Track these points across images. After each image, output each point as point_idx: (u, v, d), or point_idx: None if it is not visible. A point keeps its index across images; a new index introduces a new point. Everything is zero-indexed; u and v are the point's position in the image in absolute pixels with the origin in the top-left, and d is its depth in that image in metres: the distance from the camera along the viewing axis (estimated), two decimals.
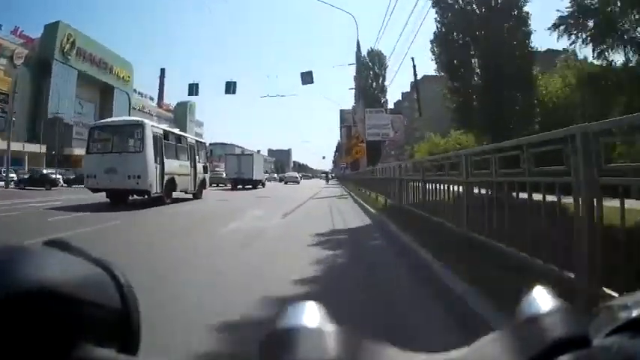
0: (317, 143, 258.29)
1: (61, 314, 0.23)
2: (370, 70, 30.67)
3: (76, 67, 43.29)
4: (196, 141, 13.53)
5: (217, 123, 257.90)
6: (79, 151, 44.65)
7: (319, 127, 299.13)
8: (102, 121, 13.76)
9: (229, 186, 24.71)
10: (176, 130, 12.87)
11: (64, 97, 41.73)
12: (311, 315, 0.22)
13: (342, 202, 12.08)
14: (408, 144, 38.48)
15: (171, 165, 11.02)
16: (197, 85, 26.78)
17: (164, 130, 11.30)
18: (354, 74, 38.43)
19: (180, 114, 63.96)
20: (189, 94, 27.83)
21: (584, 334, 0.22)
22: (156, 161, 10.21)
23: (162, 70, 66.80)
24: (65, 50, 41.77)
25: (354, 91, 41.52)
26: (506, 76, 8.25)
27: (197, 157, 12.95)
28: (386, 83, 32.94)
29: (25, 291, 0.22)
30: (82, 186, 11.97)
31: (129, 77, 52.46)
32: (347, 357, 0.20)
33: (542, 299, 0.23)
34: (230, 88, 25.63)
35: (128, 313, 0.26)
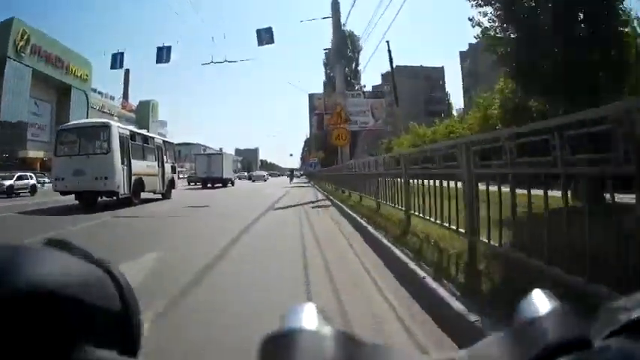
0: (285, 137, 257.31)
1: (61, 315, 0.24)
2: (342, 57, 31.25)
3: (30, 65, 42.54)
4: (164, 141, 14.15)
5: (181, 122, 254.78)
6: (34, 153, 43.75)
7: (286, 121, 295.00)
8: (69, 123, 14.17)
9: (200, 185, 26.06)
10: (143, 131, 13.43)
11: (18, 97, 40.98)
12: (310, 317, 0.23)
13: (328, 223, 6.84)
14: (382, 137, 38.29)
15: (139, 165, 11.57)
16: (122, 54, 22.71)
17: (130, 131, 11.84)
18: (323, 59, 35.10)
19: (143, 114, 63.30)
20: (111, 67, 23.63)
21: (585, 335, 0.23)
22: (123, 162, 10.75)
23: (127, 71, 66.81)
24: (19, 47, 41.04)
25: (324, 72, 36.87)
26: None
27: (165, 157, 13.57)
28: (359, 68, 30.76)
29: (25, 292, 0.23)
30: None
31: (87, 76, 51.81)
32: (346, 359, 0.21)
33: (542, 301, 0.25)
34: (163, 55, 21.24)
35: (128, 314, 0.27)
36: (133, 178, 11.14)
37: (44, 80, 45.37)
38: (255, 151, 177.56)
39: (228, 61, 22.94)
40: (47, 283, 0.23)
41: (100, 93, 55.09)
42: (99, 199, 11.04)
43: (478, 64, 62.34)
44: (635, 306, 0.25)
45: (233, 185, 28.32)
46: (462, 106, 50.86)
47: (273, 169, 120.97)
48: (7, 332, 0.22)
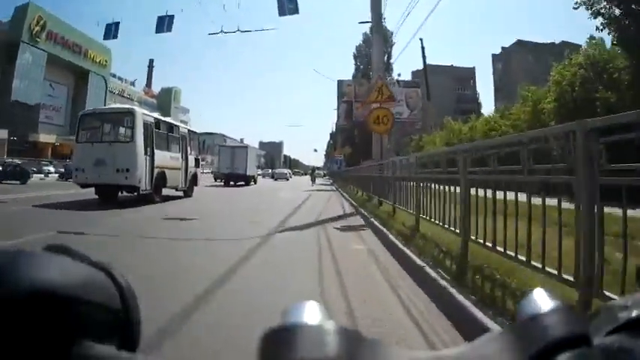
0: (309, 130, 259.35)
1: (61, 314, 0.25)
2: (371, 48, 29.99)
3: (46, 49, 43.78)
4: (189, 130, 13.27)
5: (204, 111, 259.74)
6: (45, 137, 44.14)
7: (312, 112, 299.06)
8: (91, 108, 13.55)
9: (222, 182, 24.55)
10: (168, 119, 12.65)
11: (32, 81, 41.94)
12: (311, 313, 0.24)
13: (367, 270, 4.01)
14: (409, 134, 36.47)
15: (162, 157, 10.81)
16: (117, 24, 21.03)
17: (155, 119, 11.05)
18: (354, 52, 35.25)
19: (165, 100, 64.47)
20: (104, 38, 21.99)
21: (585, 333, 0.23)
22: (146, 152, 10.02)
23: (151, 61, 71.13)
24: (34, 32, 42.20)
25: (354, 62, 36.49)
26: None
27: (189, 148, 12.72)
28: (392, 61, 29.77)
29: (25, 292, 0.24)
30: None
31: (106, 62, 53.26)
32: (347, 355, 0.22)
33: (542, 299, 0.25)
34: (164, 24, 19.94)
35: (128, 311, 0.28)
36: (156, 171, 10.38)
37: (61, 64, 46.77)
38: (280, 145, 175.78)
39: (241, 31, 21.16)
40: (47, 284, 0.25)
41: (120, 78, 57.04)
42: (119, 194, 10.34)
43: (511, 66, 61.72)
44: (635, 305, 0.26)
45: (255, 183, 27.02)
46: (493, 107, 49.75)
47: (296, 167, 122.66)
48: (8, 331, 0.23)
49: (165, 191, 11.07)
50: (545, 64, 57.56)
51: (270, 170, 60.17)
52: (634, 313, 0.26)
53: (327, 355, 0.21)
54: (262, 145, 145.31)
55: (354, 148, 32.62)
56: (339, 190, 19.38)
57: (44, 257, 0.27)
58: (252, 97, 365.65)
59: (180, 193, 12.26)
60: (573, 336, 0.23)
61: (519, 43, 64.50)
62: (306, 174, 79.77)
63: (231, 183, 23.90)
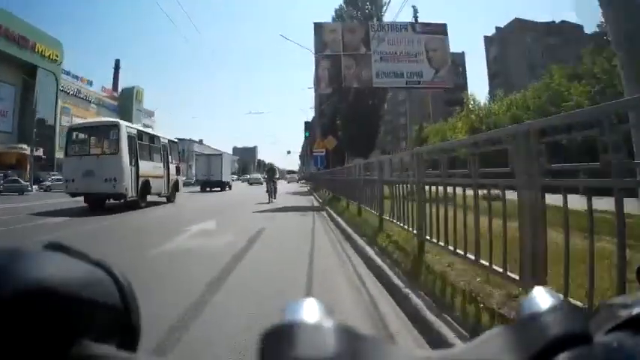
0: (283, 137, 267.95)
1: (61, 313, 0.28)
2: (357, 11, 24.55)
3: None
4: (169, 140, 15.92)
5: (173, 115, 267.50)
6: None
7: (285, 122, 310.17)
8: (79, 122, 16.01)
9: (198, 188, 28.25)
10: (149, 130, 15.20)
11: None
12: (311, 311, 0.27)
13: None
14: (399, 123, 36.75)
15: (146, 167, 13.35)
16: None
17: (138, 130, 13.64)
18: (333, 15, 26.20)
19: (127, 102, 65.02)
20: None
21: (585, 331, 0.27)
22: (131, 163, 12.49)
23: (117, 61, 69.95)
24: None
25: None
26: None
27: (170, 157, 15.40)
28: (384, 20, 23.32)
29: (25, 291, 0.27)
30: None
31: (57, 56, 53.23)
32: (346, 352, 0.24)
33: (543, 297, 0.29)
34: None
35: (128, 311, 0.33)
36: (140, 180, 12.91)
37: (6, 61, 46.26)
38: (253, 150, 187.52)
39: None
40: (47, 283, 0.28)
41: (75, 77, 56.65)
42: (107, 201, 12.76)
43: (508, 49, 63.96)
44: (636, 302, 0.30)
45: (230, 189, 30.29)
46: (486, 94, 51.60)
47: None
48: (8, 330, 0.26)
49: (149, 198, 13.60)
50: (545, 45, 59.98)
51: (248, 176, 65.74)
52: (634, 311, 0.29)
53: (327, 353, 0.24)
54: (236, 150, 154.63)
55: (347, 136, 25.28)
56: (328, 210, 11.42)
57: (44, 256, 0.31)
58: (224, 102, 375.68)
59: (164, 199, 14.90)
60: (574, 334, 0.26)
61: (518, 22, 64.34)
62: (280, 179, 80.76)
63: (207, 189, 27.49)
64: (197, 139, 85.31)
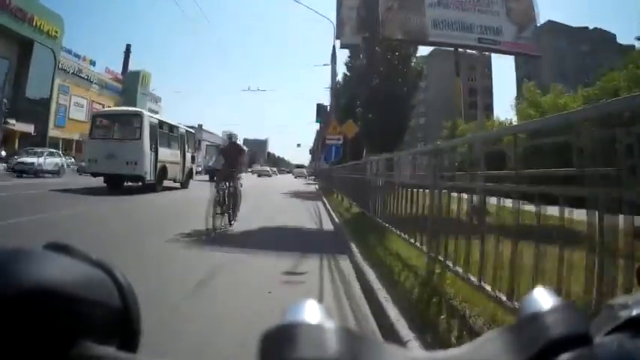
0: (294, 129, 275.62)
1: (61, 313, 0.31)
2: None
3: None
4: (186, 131, 18.87)
5: (183, 102, 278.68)
6: None
7: (295, 116, 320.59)
8: (104, 110, 18.80)
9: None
10: (169, 120, 18.08)
11: None
12: (311, 313, 0.29)
13: None
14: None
15: (164, 153, 16.15)
16: None
17: (159, 120, 16.50)
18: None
19: (131, 85, 68.26)
20: None
21: (585, 332, 0.29)
22: (151, 149, 15.26)
23: (128, 46, 73.45)
24: None
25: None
26: None
27: (186, 146, 18.28)
28: None
29: (25, 291, 0.30)
30: None
31: (57, 32, 55.55)
32: (347, 354, 0.27)
33: (543, 298, 0.31)
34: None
35: (128, 311, 0.36)
36: (159, 165, 15.71)
37: (1, 33, 47.73)
38: (264, 143, 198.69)
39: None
40: (47, 282, 0.31)
41: (77, 56, 59.24)
42: (125, 183, 15.53)
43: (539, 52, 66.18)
44: (636, 304, 0.32)
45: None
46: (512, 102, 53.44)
47: (281, 165, 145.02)
48: (8, 330, 0.29)
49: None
50: (576, 51, 62.29)
51: (256, 168, 71.78)
52: (635, 312, 0.31)
53: (328, 355, 0.26)
54: (246, 142, 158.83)
55: (367, 128, 19.40)
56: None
57: (44, 255, 0.33)
58: (236, 92, 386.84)
59: (178, 185, 17.80)
60: (574, 335, 0.28)
61: (550, 25, 67.20)
62: (289, 172, 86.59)
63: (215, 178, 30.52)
64: (196, 125, 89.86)
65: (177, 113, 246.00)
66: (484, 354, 0.29)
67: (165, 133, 16.66)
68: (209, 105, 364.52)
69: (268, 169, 69.90)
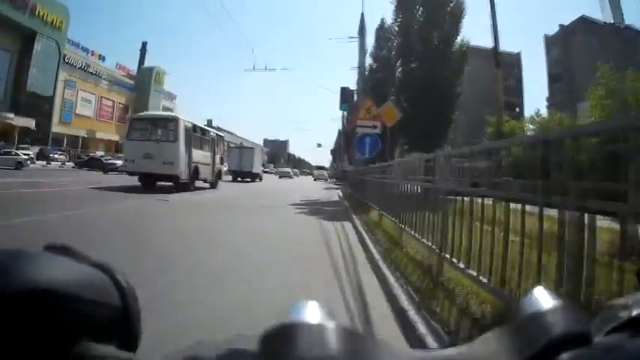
0: (316, 128, 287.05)
1: (61, 313, 0.34)
2: None
3: None
4: (217, 134, 22.09)
5: (196, 99, 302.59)
6: None
7: (317, 112, 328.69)
8: (141, 113, 22.13)
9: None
10: (201, 124, 21.20)
11: None
12: (312, 312, 0.32)
13: None
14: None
15: (197, 155, 19.06)
16: None
17: (192, 124, 19.48)
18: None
19: (144, 82, 71.33)
20: None
21: (585, 331, 0.32)
22: (185, 150, 18.09)
23: (144, 44, 77.82)
24: None
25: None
26: None
27: (216, 148, 21.34)
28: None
29: (26, 292, 0.33)
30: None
31: (62, 23, 57.28)
32: (348, 353, 0.29)
33: (543, 298, 0.34)
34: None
35: (128, 311, 0.39)
36: (192, 165, 18.59)
37: (1, 23, 48.85)
38: (285, 144, 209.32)
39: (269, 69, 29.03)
40: (47, 283, 0.34)
41: (85, 49, 61.71)
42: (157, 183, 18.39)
43: (571, 51, 67.95)
44: (636, 303, 0.35)
45: (261, 181, 38.24)
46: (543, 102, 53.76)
47: (300, 166, 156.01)
48: (10, 330, 0.32)
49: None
50: (608, 50, 63.74)
51: (278, 169, 79.05)
52: (634, 312, 0.34)
53: (328, 354, 0.29)
54: (267, 142, 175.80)
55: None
56: None
57: (45, 257, 0.37)
58: (257, 92, 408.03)
59: (208, 185, 20.80)
60: (574, 334, 0.31)
61: (583, 23, 68.12)
62: (310, 174, 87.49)
63: (238, 179, 35.31)
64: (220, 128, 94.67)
65: (193, 111, 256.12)
66: (484, 353, 0.32)
67: (197, 136, 19.65)
68: (228, 103, 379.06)
69: (289, 170, 75.51)
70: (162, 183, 18.35)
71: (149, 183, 18.12)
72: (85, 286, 0.36)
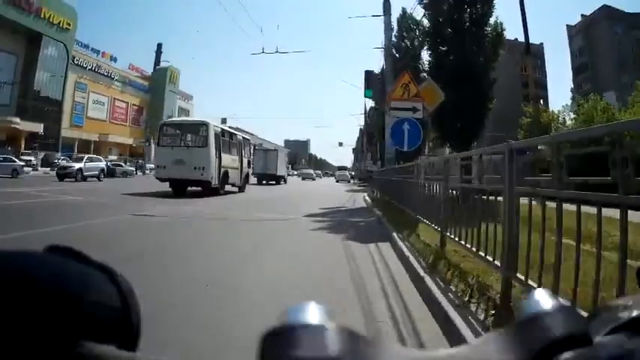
0: (337, 124, 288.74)
1: (62, 314, 0.36)
2: None
3: None
4: (243, 138, 22.90)
5: (209, 98, 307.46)
6: None
7: (338, 107, 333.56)
8: (171, 119, 22.84)
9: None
10: (229, 128, 22.08)
11: None
12: (312, 313, 0.33)
13: None
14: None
15: (226, 159, 19.84)
16: None
17: (221, 129, 20.33)
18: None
19: (159, 82, 72.16)
20: None
21: (585, 332, 0.33)
22: (216, 155, 18.80)
23: (159, 46, 79.56)
24: None
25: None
26: None
27: (243, 152, 22.20)
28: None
29: (27, 292, 0.35)
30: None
31: (69, 25, 58.08)
32: (347, 354, 0.30)
33: (543, 299, 0.35)
34: None
35: (128, 311, 0.41)
36: (222, 170, 19.36)
37: (6, 26, 49.75)
38: (306, 144, 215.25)
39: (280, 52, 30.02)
40: (48, 284, 0.36)
41: (95, 51, 62.63)
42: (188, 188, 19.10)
43: (595, 40, 67.95)
44: (636, 304, 0.36)
45: (285, 183, 39.89)
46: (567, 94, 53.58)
47: (322, 167, 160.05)
48: (8, 330, 0.33)
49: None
50: (633, 39, 63.71)
51: (301, 171, 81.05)
52: (634, 313, 0.36)
53: (328, 355, 0.30)
54: (287, 143, 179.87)
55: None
56: None
57: (45, 258, 0.39)
58: (272, 89, 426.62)
59: (236, 189, 21.64)
60: (574, 335, 0.32)
61: (606, 11, 68.23)
62: (332, 175, 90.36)
63: (263, 182, 36.72)
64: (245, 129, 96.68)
65: (204, 111, 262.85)
66: (485, 354, 0.33)
67: (226, 140, 20.46)
68: (246, 104, 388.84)
69: (312, 172, 78.47)
70: (193, 188, 18.90)
71: (180, 189, 18.67)
72: (85, 288, 0.39)
